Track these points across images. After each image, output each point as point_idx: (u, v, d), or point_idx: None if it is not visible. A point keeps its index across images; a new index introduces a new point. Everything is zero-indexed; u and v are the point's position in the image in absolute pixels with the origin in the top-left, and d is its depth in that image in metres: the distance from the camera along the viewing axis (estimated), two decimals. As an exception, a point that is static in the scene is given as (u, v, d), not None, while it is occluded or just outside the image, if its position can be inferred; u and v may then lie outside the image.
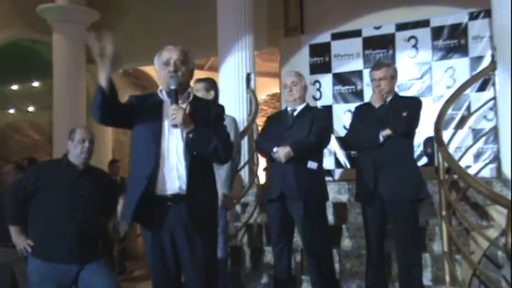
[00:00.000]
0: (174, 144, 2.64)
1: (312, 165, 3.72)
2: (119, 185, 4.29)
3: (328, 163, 6.59)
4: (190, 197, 2.58)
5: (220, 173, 3.83)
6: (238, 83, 5.78)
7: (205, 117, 2.67)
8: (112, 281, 3.38)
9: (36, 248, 3.30)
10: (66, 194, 3.32)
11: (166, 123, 2.65)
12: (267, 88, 11.27)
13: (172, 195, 2.61)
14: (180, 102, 2.65)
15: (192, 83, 2.94)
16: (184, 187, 2.59)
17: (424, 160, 6.08)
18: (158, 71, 2.80)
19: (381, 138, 3.64)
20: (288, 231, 3.81)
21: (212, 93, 3.95)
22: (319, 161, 3.81)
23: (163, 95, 2.73)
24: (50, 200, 3.31)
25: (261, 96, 11.98)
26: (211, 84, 4.00)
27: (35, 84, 10.08)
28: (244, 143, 5.38)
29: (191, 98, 2.75)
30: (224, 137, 2.69)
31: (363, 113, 3.87)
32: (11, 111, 10.25)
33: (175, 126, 2.58)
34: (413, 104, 3.74)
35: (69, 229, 3.25)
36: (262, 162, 5.52)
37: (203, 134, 2.59)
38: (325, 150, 6.45)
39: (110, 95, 2.55)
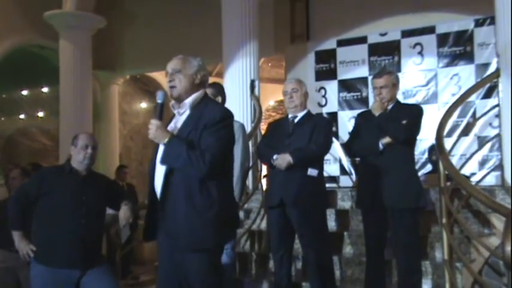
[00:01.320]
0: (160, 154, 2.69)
1: (312, 172, 3.72)
2: (122, 191, 4.32)
3: (333, 170, 6.61)
4: (163, 206, 2.64)
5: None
6: (243, 89, 5.81)
7: (193, 127, 2.64)
8: (114, 286, 3.40)
9: (38, 253, 3.32)
10: (68, 200, 3.35)
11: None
12: (274, 94, 11.30)
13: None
14: (182, 112, 2.72)
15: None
16: (159, 195, 2.68)
17: (429, 167, 6.06)
18: None
19: (381, 146, 3.65)
20: (288, 238, 3.81)
21: (219, 98, 3.96)
22: (320, 168, 3.81)
23: (172, 107, 2.79)
24: (52, 206, 3.34)
25: (269, 103, 12.02)
26: (218, 90, 4.01)
27: (45, 89, 10.21)
28: (248, 149, 5.40)
29: (193, 104, 2.71)
30: (206, 148, 2.57)
31: (364, 120, 3.88)
32: (21, 116, 10.37)
33: (151, 139, 2.65)
34: (414, 112, 3.74)
35: (72, 234, 3.28)
36: (265, 168, 5.55)
37: (173, 147, 2.59)
38: (330, 157, 6.50)
39: None
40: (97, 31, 8.39)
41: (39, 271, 3.31)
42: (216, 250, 2.69)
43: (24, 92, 10.26)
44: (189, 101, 2.72)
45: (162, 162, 2.62)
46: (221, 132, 2.63)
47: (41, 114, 10.34)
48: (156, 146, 2.72)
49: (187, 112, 2.72)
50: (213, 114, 2.64)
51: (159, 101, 2.69)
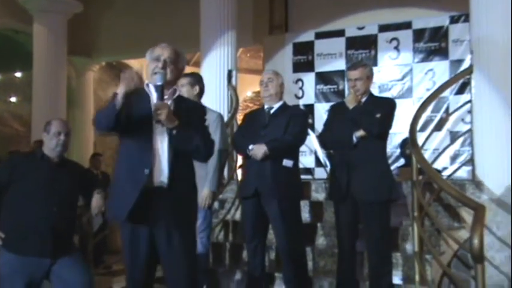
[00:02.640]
0: (159, 140, 2.69)
1: (287, 163, 3.74)
2: (95, 179, 4.28)
3: (308, 162, 6.65)
4: (171, 191, 2.66)
5: (208, 170, 3.85)
6: (220, 79, 5.79)
7: (188, 116, 2.72)
8: (85, 275, 3.37)
9: (8, 240, 3.27)
10: (40, 187, 3.30)
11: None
12: (252, 85, 11.26)
13: (154, 189, 2.66)
14: (165, 98, 2.70)
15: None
16: (165, 181, 2.67)
17: (402, 161, 6.15)
18: (148, 65, 2.83)
19: (355, 139, 3.68)
20: (262, 228, 3.83)
21: (197, 88, 3.95)
22: (295, 159, 3.83)
23: (149, 90, 2.76)
24: (23, 193, 3.29)
25: (246, 93, 12.00)
26: (196, 79, 3.99)
27: (18, 74, 10.01)
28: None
29: (176, 95, 2.79)
30: (206, 137, 2.78)
31: (337, 113, 3.90)
32: (-7, 101, 10.17)
33: (158, 122, 2.62)
34: (388, 106, 3.78)
35: (43, 222, 3.24)
36: (241, 159, 5.55)
37: (186, 131, 2.65)
38: (306, 149, 6.54)
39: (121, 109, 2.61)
40: (73, 16, 8.24)
41: (8, 259, 3.26)
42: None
43: (-3, 77, 10.06)
44: (171, 91, 2.76)
45: (176, 145, 2.67)
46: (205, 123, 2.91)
47: (13, 99, 10.15)
48: (148, 126, 2.67)
49: (171, 102, 2.73)
50: (201, 107, 3.02)
51: (159, 83, 2.66)
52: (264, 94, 3.88)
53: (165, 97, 2.70)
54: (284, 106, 3.91)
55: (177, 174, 2.68)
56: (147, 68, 2.88)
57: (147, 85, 2.78)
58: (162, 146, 2.69)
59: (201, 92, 4.00)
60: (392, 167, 4.51)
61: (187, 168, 2.80)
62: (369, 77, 3.82)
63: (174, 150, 2.67)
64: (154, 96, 2.72)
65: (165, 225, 2.68)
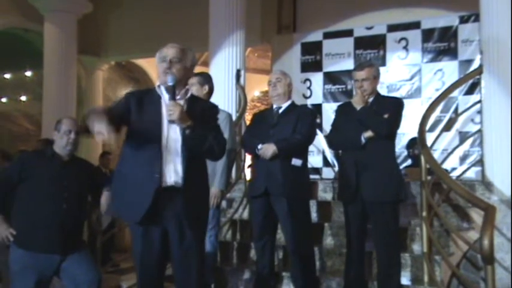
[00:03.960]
0: (172, 140, 2.70)
1: (296, 162, 3.75)
2: (105, 177, 4.29)
3: (316, 161, 6.64)
4: (185, 191, 2.68)
5: (216, 169, 3.87)
6: (228, 78, 5.79)
7: (201, 116, 2.74)
8: (94, 272, 3.40)
9: (18, 237, 3.30)
10: (50, 185, 3.33)
11: (165, 119, 2.70)
12: (260, 85, 11.27)
13: (168, 189, 2.67)
14: (178, 98, 2.72)
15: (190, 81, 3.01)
16: (180, 181, 2.68)
17: (410, 161, 6.12)
18: (157, 66, 2.84)
19: (363, 140, 3.67)
20: (271, 227, 3.84)
21: (206, 87, 3.97)
22: (304, 158, 3.83)
23: (161, 91, 2.78)
24: (34, 190, 3.32)
25: (254, 93, 12.00)
26: (206, 79, 4.01)
27: (28, 73, 10.05)
28: (232, 139, 5.40)
29: (189, 95, 2.82)
30: (219, 136, 2.79)
31: (344, 113, 3.89)
32: (3, 100, 10.21)
33: (172, 122, 2.64)
34: (395, 105, 3.76)
35: (53, 219, 3.27)
36: (249, 158, 5.55)
37: (199, 131, 2.66)
38: (314, 149, 6.54)
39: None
40: (83, 16, 8.28)
41: (19, 255, 3.29)
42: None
43: (7, 76, 10.10)
44: (183, 91, 2.79)
45: (189, 145, 2.68)
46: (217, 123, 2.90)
47: (23, 98, 10.20)
48: (157, 127, 2.69)
49: (185, 99, 2.76)
50: (214, 107, 2.96)
51: (170, 84, 2.68)
52: (273, 94, 3.89)
53: (178, 97, 2.72)
54: (292, 105, 3.91)
55: (190, 174, 2.69)
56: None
57: (159, 86, 2.80)
58: (176, 146, 2.69)
59: (211, 92, 4.02)
60: (400, 167, 4.48)
61: (201, 168, 2.83)
62: (376, 77, 3.81)
63: (188, 150, 2.68)
64: (166, 97, 2.74)
65: (179, 225, 2.69)
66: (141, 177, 2.68)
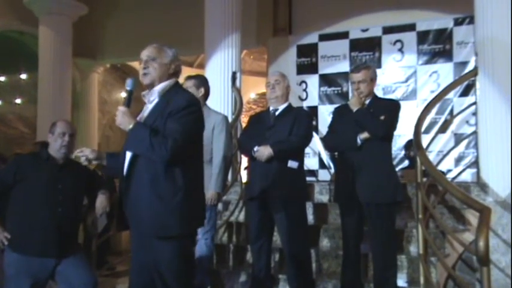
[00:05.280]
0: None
1: (292, 164, 3.75)
2: (100, 180, 4.28)
3: (312, 163, 6.64)
4: (126, 197, 2.65)
5: (213, 171, 3.87)
6: (224, 81, 5.79)
7: (159, 113, 2.64)
8: (89, 275, 3.39)
9: (13, 241, 3.28)
10: (45, 188, 3.32)
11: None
12: (256, 87, 11.29)
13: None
14: (152, 98, 2.71)
15: (181, 79, 2.96)
16: (123, 185, 2.69)
17: (406, 163, 6.14)
18: None
19: (359, 141, 3.68)
20: (267, 229, 3.83)
21: (202, 90, 3.97)
22: (300, 160, 3.83)
23: (143, 97, 2.78)
24: (28, 193, 3.31)
25: (250, 95, 12.01)
26: (202, 82, 4.01)
27: (23, 76, 10.02)
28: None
29: (162, 91, 2.70)
30: (169, 133, 2.55)
31: (341, 115, 3.90)
32: (-2, 102, 10.19)
33: (118, 125, 2.66)
34: (392, 107, 3.77)
35: (48, 223, 3.26)
36: (245, 160, 5.55)
37: (136, 133, 2.59)
38: (310, 151, 6.53)
39: None
40: (78, 18, 8.27)
41: (14, 259, 3.28)
42: (183, 238, 2.64)
43: (2, 78, 10.06)
44: (158, 88, 2.71)
45: (127, 148, 2.65)
46: (185, 119, 2.60)
47: (18, 100, 10.16)
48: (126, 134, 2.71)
49: (156, 100, 2.72)
50: (178, 102, 2.62)
51: (128, 88, 2.70)
52: (271, 96, 3.89)
53: (152, 99, 2.70)
54: (289, 108, 3.91)
55: (134, 180, 2.63)
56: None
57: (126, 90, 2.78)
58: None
59: (206, 94, 4.02)
60: (396, 169, 4.49)
61: (151, 174, 2.59)
62: (373, 79, 3.82)
63: (131, 151, 2.66)
64: (147, 101, 2.76)
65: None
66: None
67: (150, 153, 2.55)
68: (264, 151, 3.69)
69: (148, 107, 2.73)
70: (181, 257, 2.61)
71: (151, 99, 2.73)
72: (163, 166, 2.57)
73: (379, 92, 6.00)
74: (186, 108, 2.61)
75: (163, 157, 2.53)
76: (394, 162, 5.22)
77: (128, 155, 2.67)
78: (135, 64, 10.12)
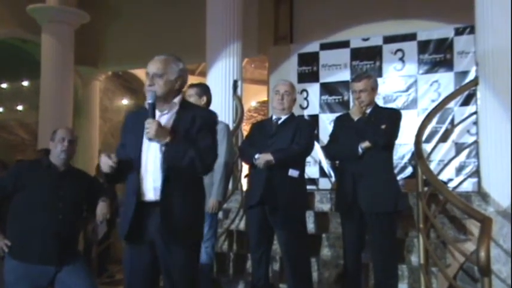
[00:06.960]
0: (152, 156, 2.68)
1: (293, 173, 3.74)
2: (101, 187, 4.28)
3: (312, 172, 6.63)
4: (164, 208, 2.63)
5: (214, 179, 3.86)
6: (225, 89, 5.80)
7: (189, 127, 2.68)
8: (89, 283, 3.38)
9: (13, 248, 3.28)
10: (45, 195, 3.32)
11: (145, 137, 2.68)
12: (257, 95, 11.31)
13: (149, 204, 2.66)
14: (165, 113, 2.71)
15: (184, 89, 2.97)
16: (154, 198, 2.65)
17: (407, 172, 6.13)
18: None
19: (360, 150, 3.68)
20: (267, 238, 3.82)
21: (204, 98, 3.97)
22: (301, 169, 3.83)
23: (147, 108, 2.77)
24: (29, 200, 3.30)
25: (251, 103, 12.03)
26: (204, 90, 4.01)
27: (25, 83, 10.07)
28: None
29: (177, 108, 2.74)
30: (205, 148, 2.66)
31: (342, 124, 3.91)
32: (0, 109, 10.21)
33: (150, 139, 2.63)
34: (393, 116, 3.78)
35: (48, 230, 3.25)
36: (246, 168, 5.55)
37: (177, 147, 2.61)
38: (310, 159, 6.52)
39: None
40: (80, 26, 8.30)
41: (14, 266, 3.27)
42: (198, 245, 2.86)
43: (4, 85, 10.11)
44: (176, 101, 2.74)
45: (167, 161, 2.62)
46: (215, 134, 2.79)
47: (20, 107, 10.20)
48: (138, 145, 2.69)
49: (173, 112, 2.72)
50: (207, 116, 2.81)
51: (150, 101, 2.66)
52: (277, 106, 3.87)
53: (165, 112, 2.71)
54: (292, 117, 3.91)
55: (170, 190, 2.63)
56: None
57: (147, 104, 2.74)
58: (155, 162, 2.66)
59: (209, 103, 4.02)
60: (397, 178, 4.48)
61: (183, 184, 2.69)
62: (374, 89, 3.83)
63: (167, 166, 2.63)
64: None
65: (162, 240, 2.65)
66: (127, 194, 2.74)
67: (191, 167, 2.63)
68: (264, 158, 3.69)
69: (162, 118, 2.72)
70: (197, 263, 2.81)
71: (166, 112, 2.73)
72: (191, 178, 2.73)
73: (379, 101, 6.01)
74: (214, 124, 2.84)
75: (205, 171, 2.73)
76: (395, 171, 5.21)
77: (155, 167, 2.66)
78: (137, 72, 10.18)
